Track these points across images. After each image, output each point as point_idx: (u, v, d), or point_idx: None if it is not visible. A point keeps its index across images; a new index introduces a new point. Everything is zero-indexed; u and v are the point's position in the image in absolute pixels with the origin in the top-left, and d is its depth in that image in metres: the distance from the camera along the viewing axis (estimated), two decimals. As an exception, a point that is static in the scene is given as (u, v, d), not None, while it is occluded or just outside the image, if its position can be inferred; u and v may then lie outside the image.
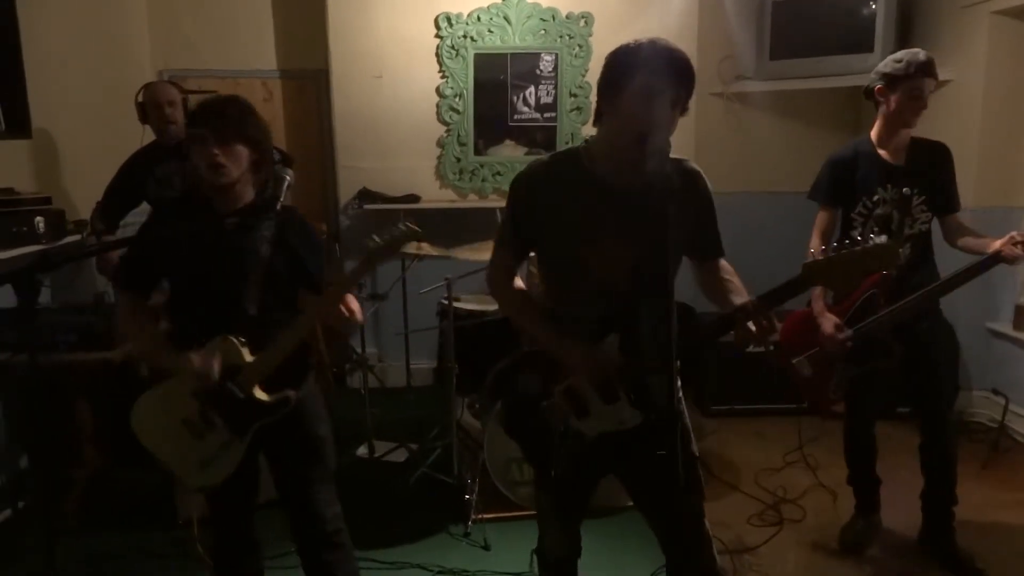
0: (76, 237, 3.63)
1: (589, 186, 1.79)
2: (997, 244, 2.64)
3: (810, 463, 3.73)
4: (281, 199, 1.96)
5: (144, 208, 3.64)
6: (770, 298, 1.72)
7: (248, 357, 2.01)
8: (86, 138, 4.00)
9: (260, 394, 2.02)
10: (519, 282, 2.03)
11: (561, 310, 1.88)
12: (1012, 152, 4.07)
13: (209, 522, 2.27)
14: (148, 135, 3.64)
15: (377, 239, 1.96)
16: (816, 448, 3.83)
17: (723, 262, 1.91)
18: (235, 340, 2.00)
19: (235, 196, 2.02)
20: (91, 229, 3.59)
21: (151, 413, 2.10)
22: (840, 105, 5.02)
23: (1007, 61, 4.00)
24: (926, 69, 2.67)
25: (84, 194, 3.82)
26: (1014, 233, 2.62)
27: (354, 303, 2.09)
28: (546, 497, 2.04)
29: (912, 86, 2.69)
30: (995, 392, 4.02)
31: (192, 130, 1.97)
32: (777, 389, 4.09)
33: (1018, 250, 2.59)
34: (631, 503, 2.05)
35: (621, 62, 1.72)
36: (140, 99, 3.54)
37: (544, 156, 1.89)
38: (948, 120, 3.95)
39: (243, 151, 1.98)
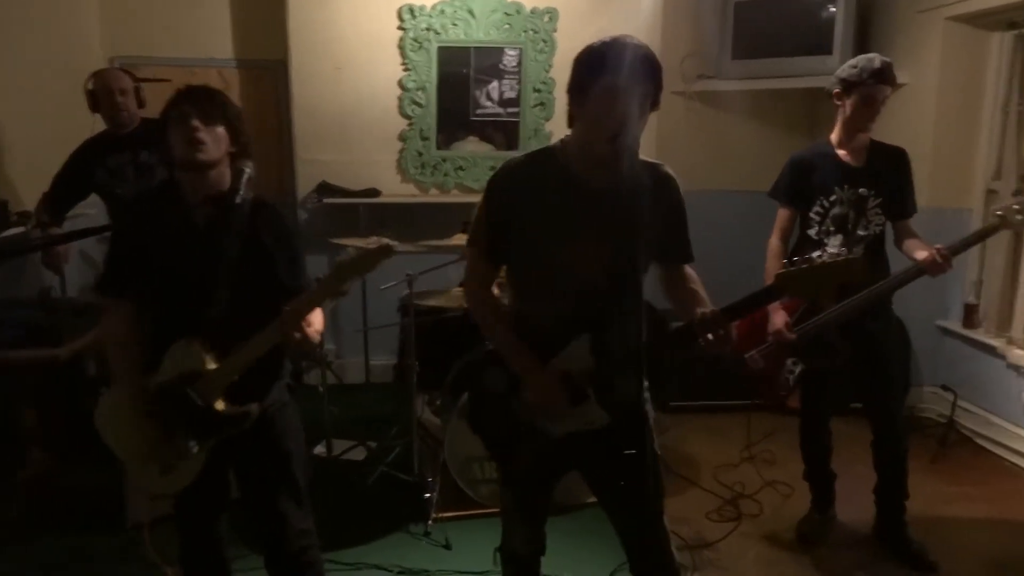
0: (20, 229, 3.49)
1: (564, 185, 1.78)
2: (922, 256, 2.70)
3: (766, 458, 3.78)
4: (241, 192, 1.90)
5: (92, 201, 3.52)
6: (739, 308, 1.72)
7: (211, 364, 1.93)
8: (32, 126, 3.85)
9: (220, 405, 1.94)
10: (497, 297, 2.00)
11: (531, 309, 1.86)
12: (964, 155, 4.17)
13: (175, 525, 2.19)
14: (99, 124, 3.51)
15: (348, 256, 1.89)
16: (771, 443, 3.89)
17: (689, 270, 1.91)
18: (198, 344, 1.93)
19: (210, 182, 1.94)
20: (36, 221, 3.45)
21: (114, 412, 2.03)
22: (799, 106, 5.09)
23: (960, 65, 4.09)
24: (880, 76, 2.72)
25: (29, 184, 3.67)
26: (939, 247, 2.66)
27: (316, 318, 2.00)
28: (510, 494, 2.02)
29: (866, 93, 2.74)
30: (944, 388, 4.12)
31: (172, 110, 1.91)
32: (733, 385, 4.13)
33: (942, 264, 2.64)
34: (592, 499, 2.05)
35: (587, 63, 1.71)
36: (90, 87, 3.41)
37: (520, 155, 1.87)
38: (902, 122, 4.03)
39: (223, 134, 1.92)
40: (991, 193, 4.12)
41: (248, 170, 1.92)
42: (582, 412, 1.78)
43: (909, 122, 4.13)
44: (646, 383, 1.67)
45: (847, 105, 2.78)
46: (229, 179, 1.97)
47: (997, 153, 4.09)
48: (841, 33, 4.46)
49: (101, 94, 3.37)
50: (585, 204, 1.76)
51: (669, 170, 1.85)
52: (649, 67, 1.68)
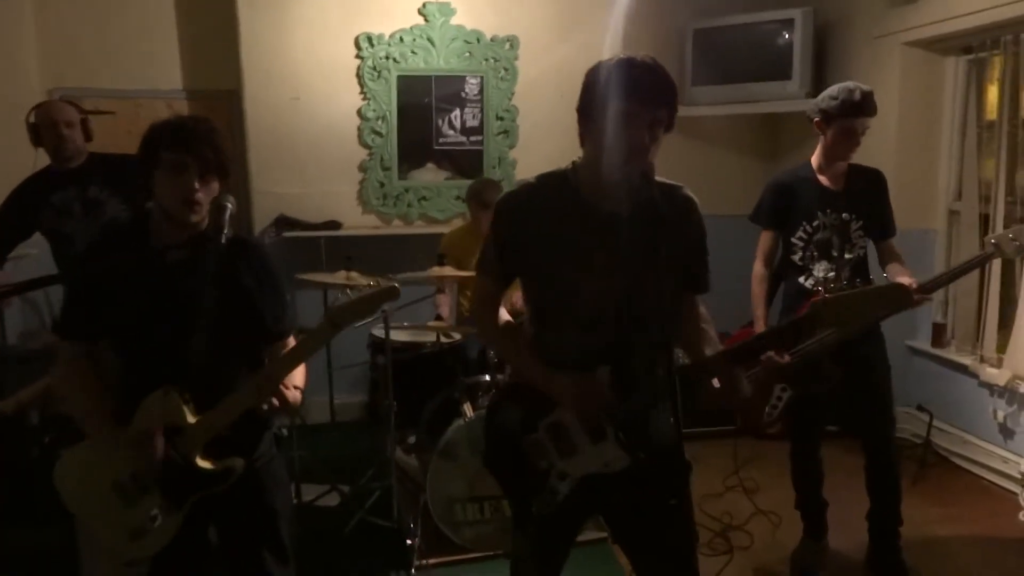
0: (-44, 273, 3.23)
1: (576, 210, 1.69)
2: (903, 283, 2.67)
3: (749, 486, 3.71)
4: (225, 231, 1.74)
5: (35, 240, 3.28)
6: (756, 347, 1.64)
7: (191, 417, 1.77)
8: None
9: (202, 461, 1.78)
10: (504, 313, 1.89)
11: (548, 340, 1.76)
12: (925, 176, 4.24)
13: None
14: (42, 159, 3.29)
15: (345, 299, 1.76)
16: (754, 470, 3.83)
17: (701, 308, 1.83)
18: (177, 396, 1.76)
19: (189, 228, 1.80)
20: (-29, 265, 3.20)
21: (76, 472, 1.84)
22: (759, 131, 5.15)
23: (918, 89, 4.17)
24: (859, 109, 2.72)
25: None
26: (911, 282, 2.60)
27: (298, 373, 1.86)
28: (524, 539, 1.88)
29: (845, 125, 2.74)
30: (920, 408, 4.14)
31: (167, 153, 1.72)
32: (710, 411, 4.08)
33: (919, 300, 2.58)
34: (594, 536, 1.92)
35: (595, 82, 1.64)
36: (32, 120, 3.18)
37: (531, 178, 1.77)
38: (865, 145, 4.01)
39: (216, 185, 1.77)
40: (953, 214, 4.19)
41: (231, 205, 1.77)
42: (600, 452, 1.66)
43: (871, 145, 4.10)
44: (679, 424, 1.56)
45: (827, 135, 2.78)
46: (205, 218, 1.82)
47: (957, 174, 4.17)
48: (799, 59, 4.52)
49: (44, 127, 3.15)
50: (597, 229, 1.68)
51: (690, 193, 1.78)
52: (661, 87, 1.61)
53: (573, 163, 1.75)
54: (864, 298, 1.56)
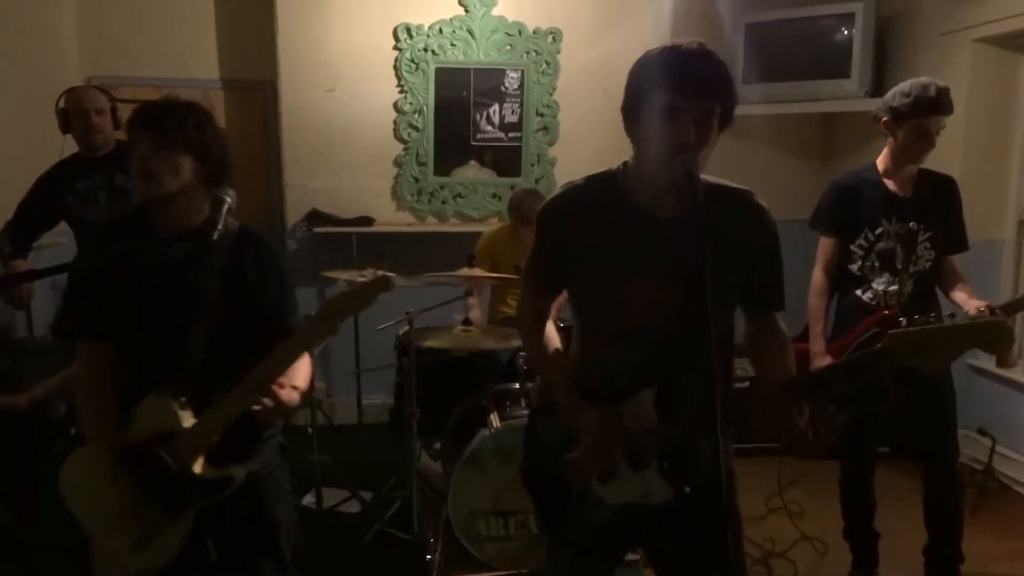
0: (-20, 261, 3.19)
1: (623, 214, 1.54)
2: (972, 309, 2.44)
3: (793, 510, 3.49)
4: (219, 226, 1.62)
5: (62, 228, 3.23)
6: (795, 387, 1.44)
7: (186, 421, 1.67)
8: (4, 148, 3.55)
9: (199, 468, 1.67)
10: (551, 329, 1.75)
11: (593, 354, 1.62)
12: (994, 184, 3.98)
13: None
14: (69, 147, 3.24)
15: (340, 291, 1.64)
16: (798, 491, 3.60)
17: (780, 324, 1.67)
18: (172, 399, 1.66)
19: (177, 213, 1.69)
20: (-4, 252, 3.16)
21: (81, 477, 1.75)
22: (815, 130, 4.92)
23: (988, 90, 3.91)
24: (936, 107, 2.49)
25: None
26: (986, 305, 2.42)
27: (301, 369, 1.74)
28: (557, 564, 1.74)
29: (919, 125, 2.51)
30: (981, 432, 3.87)
31: (129, 134, 1.67)
32: (752, 427, 3.86)
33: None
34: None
35: (641, 75, 1.48)
36: (62, 105, 3.14)
37: (579, 180, 1.63)
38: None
39: (185, 161, 1.65)
40: (1024, 224, 3.91)
41: (229, 199, 1.66)
42: (640, 481, 1.50)
43: (936, 149, 3.91)
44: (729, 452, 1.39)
45: (898, 136, 2.55)
46: (207, 209, 1.72)
47: (1030, 182, 3.89)
48: (859, 56, 4.26)
49: (74, 114, 3.11)
50: (644, 235, 1.52)
51: (760, 200, 1.59)
52: (709, 77, 1.44)
53: (624, 163, 1.59)
54: (950, 335, 1.35)
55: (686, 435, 1.47)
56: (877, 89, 4.17)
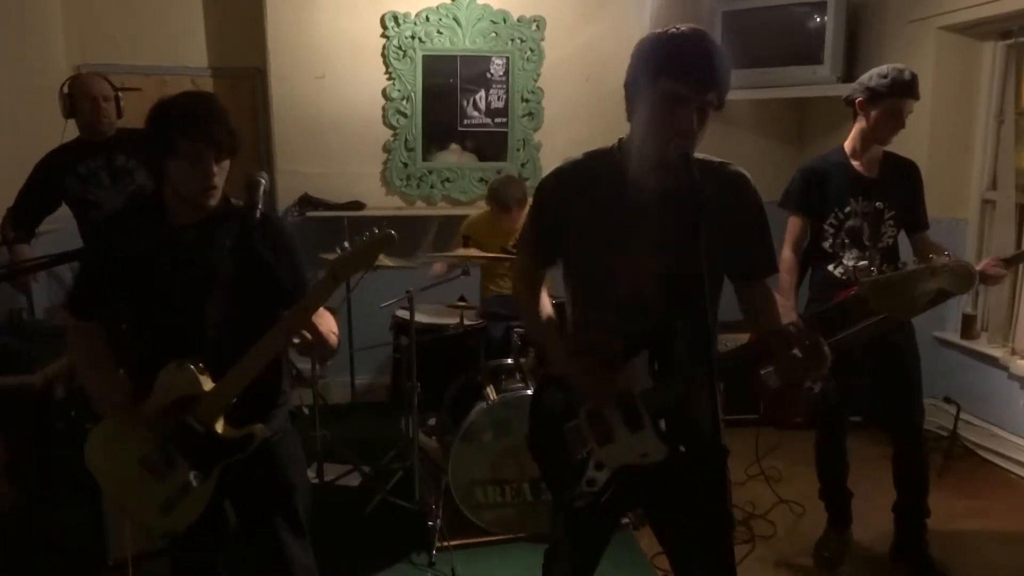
0: (-14, 246, 3.25)
1: (619, 188, 1.64)
2: (980, 265, 2.63)
3: (772, 475, 3.69)
4: (259, 206, 1.73)
5: (62, 215, 3.30)
6: (820, 319, 1.55)
7: (208, 385, 1.77)
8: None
9: (222, 428, 1.78)
10: (546, 299, 1.86)
11: (587, 321, 1.73)
12: (958, 165, 4.16)
13: (170, 562, 2.02)
14: (71, 131, 3.30)
15: (346, 247, 1.74)
16: (776, 459, 3.80)
17: (775, 295, 1.76)
18: (192, 366, 1.77)
19: (206, 209, 1.79)
20: (1, 238, 3.23)
21: (103, 449, 1.84)
22: (787, 116, 5.07)
23: (953, 75, 4.08)
24: (910, 89, 2.65)
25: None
26: (993, 259, 2.62)
27: (329, 321, 1.87)
28: (562, 527, 1.85)
29: (893, 105, 2.67)
30: (947, 400, 4.08)
31: (183, 140, 1.68)
32: (732, 399, 4.05)
33: (1000, 270, 2.61)
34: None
35: (643, 58, 1.58)
36: (67, 90, 3.20)
37: (577, 155, 1.74)
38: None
39: (228, 163, 1.76)
40: (987, 203, 4.11)
41: (264, 181, 1.77)
42: (637, 441, 1.62)
43: (903, 132, 4.07)
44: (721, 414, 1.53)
45: (870, 116, 2.70)
46: (219, 196, 1.82)
47: (992, 163, 4.08)
48: (831, 43, 4.42)
49: (80, 99, 3.19)
50: (640, 207, 1.62)
51: (740, 169, 1.70)
52: (714, 70, 1.53)
53: (619, 140, 1.71)
54: (919, 278, 1.45)
55: (684, 393, 1.58)
56: (848, 75, 4.32)
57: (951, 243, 4.05)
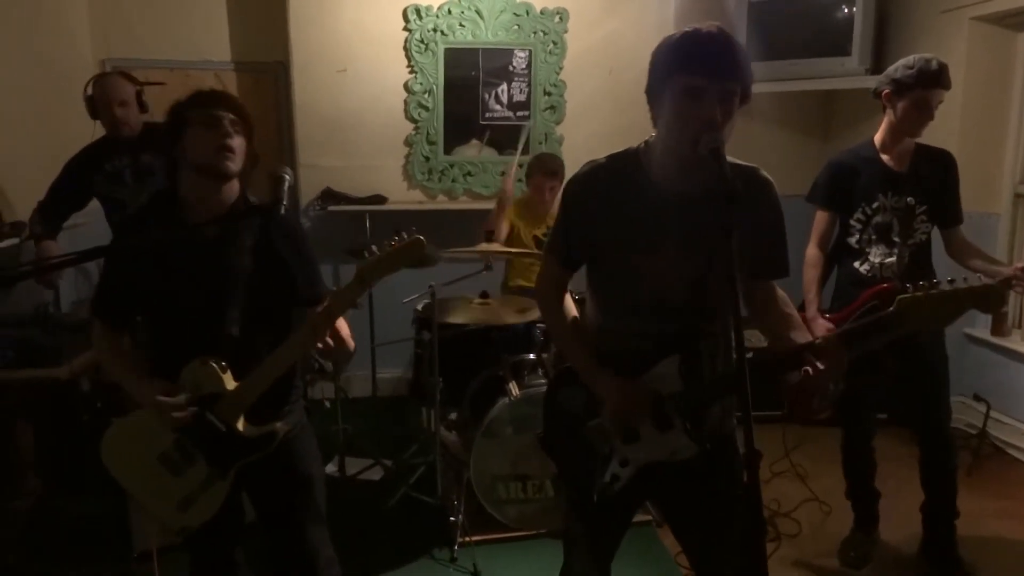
0: (13, 241, 3.28)
1: (645, 191, 1.63)
2: (1008, 271, 2.53)
3: (798, 472, 3.65)
4: (284, 202, 1.73)
5: (90, 209, 3.33)
6: (851, 336, 1.54)
7: (230, 383, 1.78)
8: (18, 132, 3.63)
9: (243, 427, 1.79)
10: (569, 301, 1.84)
11: (614, 324, 1.71)
12: (990, 158, 4.08)
13: (189, 555, 2.02)
14: (100, 130, 3.32)
15: (374, 251, 1.73)
16: (801, 456, 3.76)
17: (780, 291, 1.75)
18: (215, 364, 1.77)
19: (223, 195, 1.80)
20: (29, 232, 3.26)
21: (123, 445, 1.86)
22: (815, 108, 5.00)
23: (985, 67, 3.99)
24: (937, 80, 2.58)
25: (19, 192, 3.47)
26: (1017, 267, 2.52)
27: (344, 328, 1.87)
28: (579, 525, 1.85)
29: (920, 96, 2.60)
30: (976, 398, 4.01)
31: (197, 111, 1.74)
32: (756, 395, 4.00)
33: None
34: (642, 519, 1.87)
35: (662, 59, 1.56)
36: (89, 92, 3.22)
37: (601, 158, 1.71)
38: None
39: (243, 146, 1.76)
40: (1019, 197, 4.02)
41: (288, 177, 1.77)
42: (667, 440, 1.61)
43: (934, 124, 3.99)
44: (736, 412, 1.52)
45: (898, 108, 2.64)
46: (237, 191, 1.83)
47: (1024, 156, 4.00)
48: (860, 34, 4.35)
49: (100, 104, 3.20)
50: (667, 211, 1.61)
51: (765, 174, 1.70)
52: (729, 58, 1.52)
53: (645, 142, 1.68)
54: (952, 299, 1.46)
55: (715, 395, 1.58)
56: (877, 67, 4.25)
57: (983, 238, 3.96)
